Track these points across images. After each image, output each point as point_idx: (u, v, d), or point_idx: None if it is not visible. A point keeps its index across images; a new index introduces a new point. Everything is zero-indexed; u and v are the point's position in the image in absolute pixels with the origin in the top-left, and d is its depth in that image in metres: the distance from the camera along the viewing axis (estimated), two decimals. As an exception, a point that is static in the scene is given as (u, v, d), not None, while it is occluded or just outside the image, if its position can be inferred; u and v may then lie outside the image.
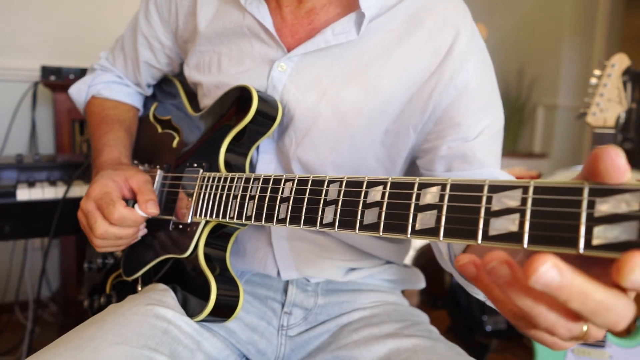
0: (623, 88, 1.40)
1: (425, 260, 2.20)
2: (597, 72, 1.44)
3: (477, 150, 0.72)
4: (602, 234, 0.34)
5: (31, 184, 1.18)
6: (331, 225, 0.52)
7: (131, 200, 0.78)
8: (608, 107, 1.40)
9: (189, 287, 0.73)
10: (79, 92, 1.01)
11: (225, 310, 0.70)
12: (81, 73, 1.76)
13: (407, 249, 0.91)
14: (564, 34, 3.79)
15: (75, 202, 1.17)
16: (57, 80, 1.75)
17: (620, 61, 1.41)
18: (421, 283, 0.92)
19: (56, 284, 2.08)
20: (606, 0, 3.71)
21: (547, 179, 1.82)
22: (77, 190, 1.19)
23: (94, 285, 0.95)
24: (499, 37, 3.76)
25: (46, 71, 1.74)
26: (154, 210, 0.73)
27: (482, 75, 0.73)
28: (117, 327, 0.64)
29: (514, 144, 4.04)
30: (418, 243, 2.25)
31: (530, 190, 0.38)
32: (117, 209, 0.70)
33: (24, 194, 1.14)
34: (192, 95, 0.91)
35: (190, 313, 0.71)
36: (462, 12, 0.75)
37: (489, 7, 3.78)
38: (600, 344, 1.37)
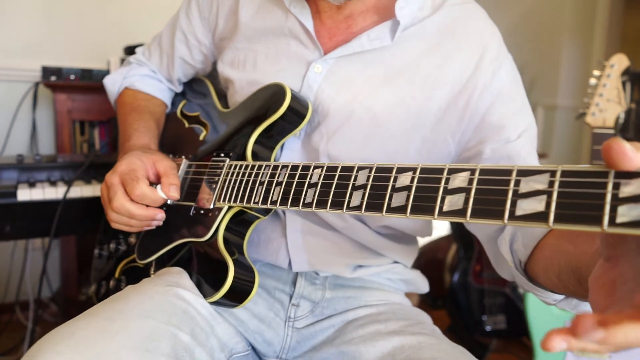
0: (622, 88, 1.40)
1: (425, 260, 2.21)
2: (596, 72, 1.44)
3: (521, 149, 0.73)
4: (627, 212, 0.35)
5: (32, 184, 1.19)
6: (358, 208, 0.53)
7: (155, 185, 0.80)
8: (607, 107, 1.40)
9: (204, 271, 0.74)
10: (113, 82, 1.04)
11: (239, 294, 0.71)
12: (81, 73, 1.76)
13: (415, 251, 0.92)
14: (564, 34, 3.79)
15: (76, 202, 1.18)
16: (58, 80, 1.75)
17: (620, 61, 1.41)
18: (425, 287, 0.93)
19: (56, 284, 2.09)
20: (606, 1, 3.71)
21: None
22: (78, 190, 1.19)
23: (101, 272, 0.96)
24: (499, 37, 3.76)
25: (47, 71, 1.74)
26: (175, 194, 0.76)
27: (514, 82, 0.77)
28: (142, 304, 0.66)
29: (514, 144, 4.04)
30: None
31: (558, 174, 0.40)
32: (140, 185, 0.73)
33: (24, 194, 1.14)
34: (222, 94, 0.94)
35: (204, 294, 0.72)
36: (490, 26, 0.79)
37: (488, 7, 3.78)
38: (599, 344, 1.38)
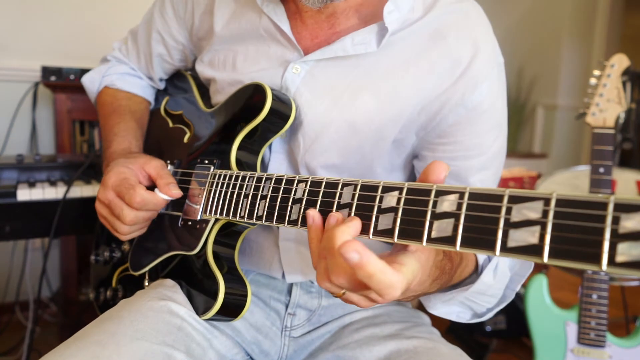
0: (622, 88, 1.40)
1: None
2: (596, 72, 1.44)
3: (470, 172, 0.73)
4: (627, 251, 0.33)
5: (32, 184, 1.18)
6: None
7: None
8: (607, 107, 1.40)
9: (196, 285, 0.73)
10: (92, 81, 1.01)
11: (232, 309, 0.70)
12: (81, 73, 1.75)
13: None
14: (564, 34, 3.79)
15: (76, 202, 1.18)
16: (58, 80, 1.75)
17: (620, 61, 1.41)
18: None
19: (56, 284, 2.09)
20: (606, 1, 3.71)
21: (547, 179, 1.82)
22: (77, 190, 1.19)
23: (99, 278, 0.96)
24: (499, 37, 3.76)
25: (46, 71, 1.73)
26: (176, 191, 0.74)
27: (494, 97, 0.73)
28: (135, 323, 0.64)
29: (514, 144, 4.04)
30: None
31: (553, 202, 0.37)
32: (138, 192, 0.71)
33: (24, 194, 1.14)
34: (204, 91, 0.91)
35: (197, 310, 0.71)
36: (485, 30, 0.73)
37: (488, 7, 3.78)
38: (600, 344, 1.38)
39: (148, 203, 0.72)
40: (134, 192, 0.71)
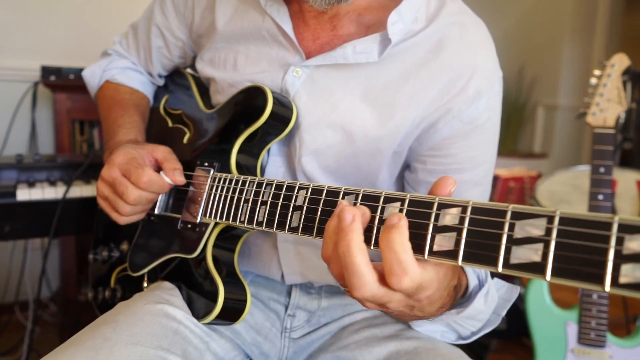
0: (623, 88, 1.40)
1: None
2: (597, 72, 1.44)
3: (462, 187, 0.73)
4: (631, 273, 0.33)
5: (31, 184, 1.18)
6: None
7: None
8: (608, 107, 1.40)
9: (195, 288, 0.72)
10: (92, 75, 1.01)
11: (231, 314, 0.70)
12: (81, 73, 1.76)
13: None
14: (564, 34, 3.79)
15: (75, 202, 1.18)
16: (57, 80, 1.74)
17: (620, 61, 1.40)
18: None
19: (56, 284, 2.08)
20: (606, 0, 3.71)
21: (548, 179, 1.81)
22: (77, 190, 1.19)
23: (98, 277, 0.95)
24: (499, 37, 3.76)
25: (46, 71, 1.73)
26: (180, 178, 0.74)
27: (491, 112, 0.72)
28: (130, 327, 0.64)
29: (514, 144, 4.04)
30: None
31: (556, 220, 0.37)
32: (147, 171, 0.70)
33: (24, 194, 1.14)
34: (204, 90, 0.90)
35: (196, 315, 0.71)
36: (485, 44, 0.73)
37: (489, 7, 3.79)
38: (600, 344, 1.37)
39: (154, 184, 0.71)
40: (142, 171, 0.70)
